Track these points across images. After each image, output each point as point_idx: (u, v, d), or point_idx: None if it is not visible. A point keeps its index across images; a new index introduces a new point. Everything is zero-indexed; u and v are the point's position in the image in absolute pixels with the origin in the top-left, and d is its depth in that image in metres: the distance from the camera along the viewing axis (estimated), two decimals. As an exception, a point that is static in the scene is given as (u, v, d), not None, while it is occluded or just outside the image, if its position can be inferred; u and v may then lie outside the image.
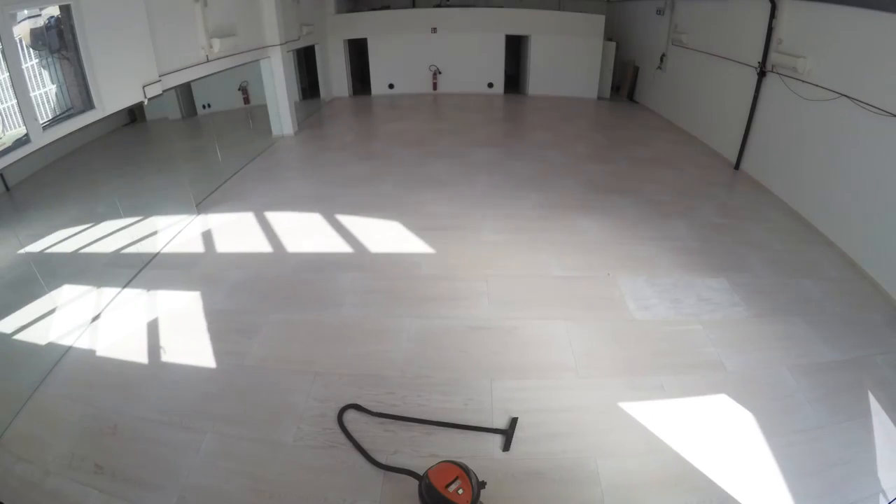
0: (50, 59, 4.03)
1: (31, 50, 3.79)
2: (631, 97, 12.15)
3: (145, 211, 5.12)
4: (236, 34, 7.04)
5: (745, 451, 2.85)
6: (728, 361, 3.51)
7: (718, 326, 3.87)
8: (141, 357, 3.59)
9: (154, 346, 3.69)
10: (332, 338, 3.77)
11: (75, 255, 4.28)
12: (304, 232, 5.42)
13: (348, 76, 12.71)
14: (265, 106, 9.21)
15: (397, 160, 7.91)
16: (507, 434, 2.88)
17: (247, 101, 10.78)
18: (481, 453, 2.82)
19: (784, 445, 2.87)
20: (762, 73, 6.66)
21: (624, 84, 12.41)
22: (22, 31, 3.70)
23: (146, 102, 4.95)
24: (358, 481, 2.66)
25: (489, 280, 4.45)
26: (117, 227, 4.63)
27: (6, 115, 3.51)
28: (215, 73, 6.71)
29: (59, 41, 4.05)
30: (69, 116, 4.09)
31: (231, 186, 6.83)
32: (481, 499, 2.29)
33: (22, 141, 3.57)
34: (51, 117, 3.96)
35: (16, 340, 3.43)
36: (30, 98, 3.62)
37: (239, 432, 2.96)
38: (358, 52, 13.12)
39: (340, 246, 5.10)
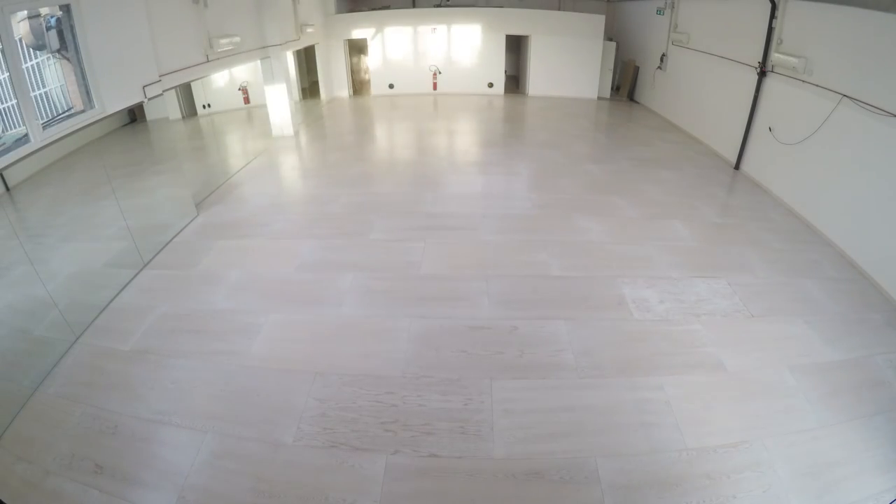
0: (50, 59, 4.03)
1: (31, 50, 3.79)
2: (631, 97, 12.16)
3: (144, 211, 5.11)
4: (236, 34, 7.04)
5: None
6: (728, 361, 3.51)
7: (718, 326, 3.87)
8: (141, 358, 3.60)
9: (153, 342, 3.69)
10: (332, 338, 3.77)
11: (75, 252, 4.27)
12: (302, 234, 5.42)
13: (348, 76, 12.72)
14: (265, 106, 9.21)
15: (397, 160, 7.92)
16: None
17: (247, 101, 10.81)
18: (479, 454, 2.83)
19: (784, 445, 2.88)
20: (762, 73, 6.66)
21: (624, 84, 12.42)
22: (22, 31, 3.70)
23: (146, 102, 4.95)
24: (358, 481, 2.66)
25: (489, 280, 4.45)
26: (116, 228, 4.62)
27: (6, 115, 3.51)
28: (215, 74, 6.72)
29: (59, 41, 4.05)
30: (69, 116, 4.09)
31: (230, 187, 6.83)
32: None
33: (22, 141, 3.57)
34: (51, 117, 3.96)
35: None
36: (30, 98, 3.61)
37: (239, 432, 2.96)
38: (358, 51, 13.13)
39: (337, 255, 5.10)
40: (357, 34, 12.27)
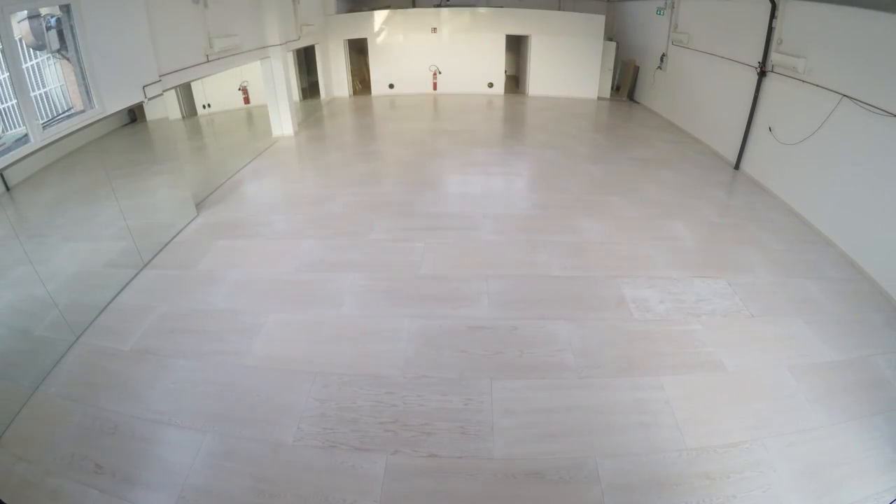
0: (50, 59, 4.03)
1: (31, 50, 3.79)
2: (631, 97, 12.16)
3: (144, 211, 5.12)
4: (236, 34, 7.04)
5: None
6: (728, 361, 3.51)
7: (718, 326, 3.88)
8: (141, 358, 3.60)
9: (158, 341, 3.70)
10: (332, 338, 3.77)
11: (75, 252, 4.27)
12: (302, 234, 5.42)
13: (348, 76, 12.72)
14: (265, 106, 9.21)
15: (397, 160, 7.92)
16: None
17: (247, 101, 10.81)
18: (479, 454, 2.83)
19: (784, 445, 2.88)
20: (762, 73, 6.66)
21: (624, 84, 12.42)
22: (22, 30, 3.70)
23: (146, 102, 4.95)
24: (358, 481, 2.66)
25: (489, 280, 4.45)
26: (116, 228, 4.63)
27: (6, 115, 3.51)
28: (215, 74, 6.72)
29: (59, 41, 4.05)
30: (69, 116, 4.09)
31: (230, 187, 6.83)
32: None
33: (22, 141, 3.57)
34: (51, 117, 3.96)
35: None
36: (30, 98, 3.61)
37: (239, 432, 2.96)
38: (358, 51, 13.13)
39: (337, 255, 5.10)
40: (357, 34, 12.27)
